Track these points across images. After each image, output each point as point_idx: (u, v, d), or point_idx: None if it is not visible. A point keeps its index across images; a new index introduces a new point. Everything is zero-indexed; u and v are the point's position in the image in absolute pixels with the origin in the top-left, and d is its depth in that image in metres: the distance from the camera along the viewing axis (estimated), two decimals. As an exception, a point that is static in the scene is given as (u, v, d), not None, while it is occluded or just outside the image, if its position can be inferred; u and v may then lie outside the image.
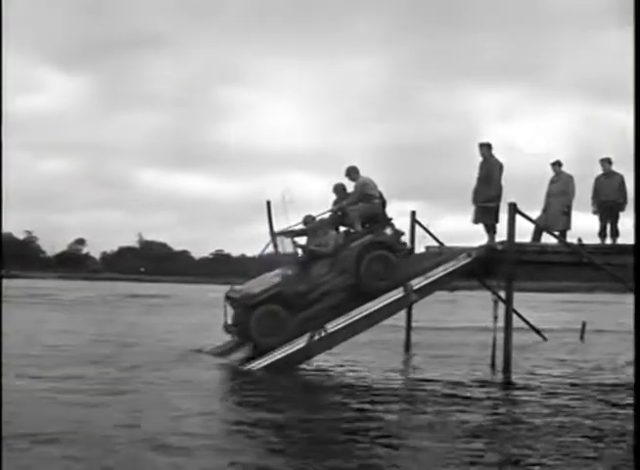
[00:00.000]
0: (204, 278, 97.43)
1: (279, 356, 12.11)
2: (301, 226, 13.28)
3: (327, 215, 13.62)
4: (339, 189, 13.82)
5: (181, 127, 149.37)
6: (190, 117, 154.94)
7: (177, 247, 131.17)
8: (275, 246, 13.04)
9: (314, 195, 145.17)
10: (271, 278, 13.03)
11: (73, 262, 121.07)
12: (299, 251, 13.40)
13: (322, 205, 13.91)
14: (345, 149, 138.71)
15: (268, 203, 12.78)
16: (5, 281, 75.61)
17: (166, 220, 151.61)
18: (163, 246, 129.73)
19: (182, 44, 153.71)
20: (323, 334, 12.26)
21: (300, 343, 12.27)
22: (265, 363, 12.05)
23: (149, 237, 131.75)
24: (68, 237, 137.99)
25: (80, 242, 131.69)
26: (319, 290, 12.79)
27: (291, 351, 12.20)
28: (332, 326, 12.43)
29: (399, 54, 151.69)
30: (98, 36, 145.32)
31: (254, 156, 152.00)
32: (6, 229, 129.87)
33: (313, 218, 13.44)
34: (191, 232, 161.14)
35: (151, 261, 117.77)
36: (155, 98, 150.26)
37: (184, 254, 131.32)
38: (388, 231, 13.33)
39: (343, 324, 12.54)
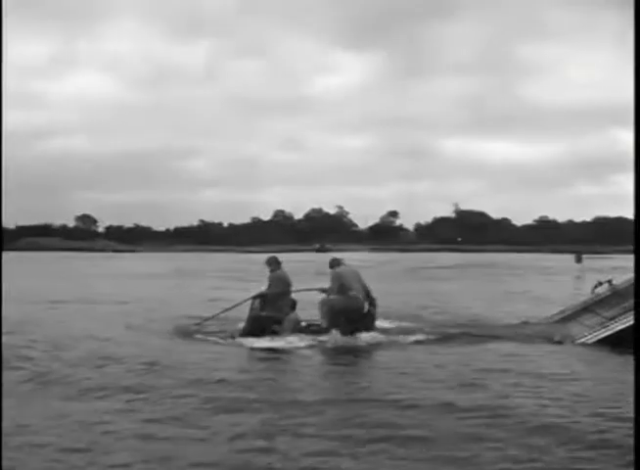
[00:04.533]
0: (526, 246, 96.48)
1: (617, 328, 11.74)
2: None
3: None
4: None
5: (483, 92, 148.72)
6: (492, 80, 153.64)
7: (496, 215, 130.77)
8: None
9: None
10: None
11: (387, 235, 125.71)
12: None
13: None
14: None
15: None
16: (320, 255, 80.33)
17: (479, 188, 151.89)
18: (481, 215, 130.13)
19: (475, 6, 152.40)
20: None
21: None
22: (600, 336, 11.75)
23: (464, 206, 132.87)
24: (380, 210, 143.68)
25: (393, 214, 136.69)
26: None
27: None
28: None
29: None
30: (387, 10, 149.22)
31: (566, 114, 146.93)
32: (317, 205, 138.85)
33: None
34: (508, 199, 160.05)
35: (468, 231, 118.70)
36: (452, 65, 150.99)
37: (504, 222, 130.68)
38: None
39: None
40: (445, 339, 12.31)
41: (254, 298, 12.93)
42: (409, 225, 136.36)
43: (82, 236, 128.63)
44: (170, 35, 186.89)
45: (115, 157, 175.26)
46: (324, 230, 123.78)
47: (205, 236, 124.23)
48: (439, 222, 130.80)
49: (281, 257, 13.72)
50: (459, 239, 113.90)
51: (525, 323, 14.11)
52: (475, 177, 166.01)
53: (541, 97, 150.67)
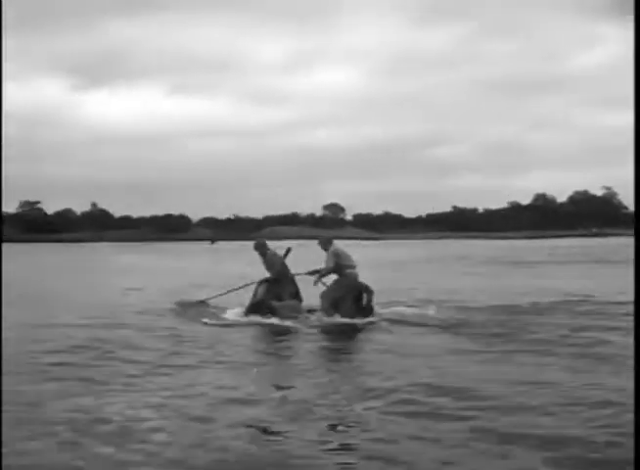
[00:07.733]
0: None
1: None
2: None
3: None
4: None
5: None
6: None
7: None
8: None
9: None
10: None
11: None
12: None
13: None
14: None
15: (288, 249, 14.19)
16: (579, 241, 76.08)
17: None
18: None
19: None
20: None
21: None
22: None
23: None
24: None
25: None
26: None
27: None
28: None
29: None
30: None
31: None
32: (582, 187, 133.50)
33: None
34: None
35: None
36: None
37: None
38: None
39: None
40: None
41: (260, 283, 13.70)
42: None
43: (329, 224, 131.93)
44: (414, 23, 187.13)
45: (363, 146, 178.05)
46: (591, 214, 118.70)
47: (458, 222, 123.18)
48: None
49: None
50: None
51: None
52: None
53: None
